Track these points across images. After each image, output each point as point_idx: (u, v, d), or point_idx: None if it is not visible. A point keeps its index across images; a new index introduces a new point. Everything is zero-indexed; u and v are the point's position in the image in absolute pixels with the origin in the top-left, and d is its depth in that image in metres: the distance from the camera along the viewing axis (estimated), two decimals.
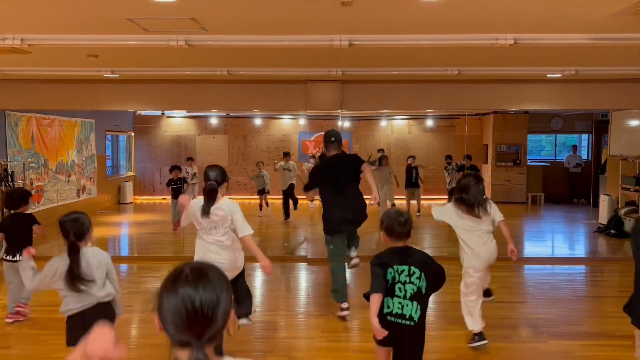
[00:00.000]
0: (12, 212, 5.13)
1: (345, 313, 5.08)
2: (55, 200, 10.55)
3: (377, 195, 4.93)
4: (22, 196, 5.11)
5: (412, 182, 11.00)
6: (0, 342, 4.65)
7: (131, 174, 14.35)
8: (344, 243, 5.21)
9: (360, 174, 5.10)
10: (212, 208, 3.73)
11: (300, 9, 3.68)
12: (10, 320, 5.00)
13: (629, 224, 8.42)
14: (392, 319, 2.82)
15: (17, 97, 7.61)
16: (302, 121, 14.10)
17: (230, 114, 13.92)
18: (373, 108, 9.20)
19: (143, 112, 13.81)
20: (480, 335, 4.28)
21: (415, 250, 2.97)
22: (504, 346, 4.42)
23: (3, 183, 8.22)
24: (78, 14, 3.86)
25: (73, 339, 3.19)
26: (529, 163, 13.72)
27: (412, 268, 2.85)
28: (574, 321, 5.08)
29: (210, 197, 3.75)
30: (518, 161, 13.44)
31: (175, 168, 9.94)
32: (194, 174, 11.41)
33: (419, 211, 11.06)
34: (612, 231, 8.90)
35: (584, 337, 4.62)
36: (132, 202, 13.72)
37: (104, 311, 3.18)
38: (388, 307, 2.84)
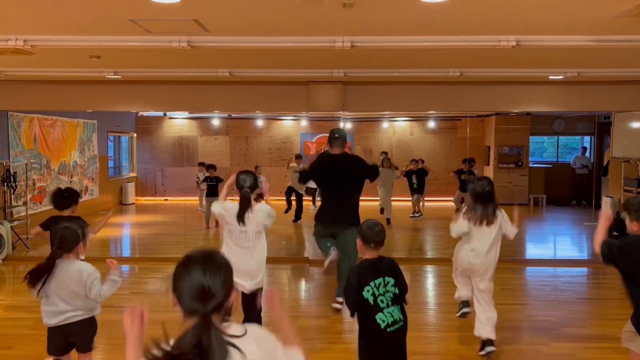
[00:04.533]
0: (62, 214, 4.49)
1: (336, 305, 5.12)
2: None
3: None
4: (72, 195, 4.60)
5: (414, 187, 10.98)
6: (1, 342, 4.65)
7: (133, 174, 14.37)
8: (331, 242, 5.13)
9: (363, 182, 5.12)
10: (246, 215, 3.89)
11: (302, 10, 3.68)
12: None
13: None
14: (390, 329, 2.92)
15: (20, 98, 7.63)
16: (303, 122, 14.11)
17: (232, 115, 13.93)
18: (375, 109, 9.20)
19: (145, 113, 13.83)
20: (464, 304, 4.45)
21: (385, 260, 3.07)
22: (506, 348, 4.42)
23: (5, 184, 8.23)
24: (81, 15, 3.87)
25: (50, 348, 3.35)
26: (530, 165, 13.70)
27: (386, 278, 2.98)
28: (576, 323, 5.07)
29: (246, 204, 3.93)
30: (520, 163, 13.42)
31: (210, 167, 10.14)
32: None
33: (418, 212, 11.06)
34: (614, 233, 8.85)
35: (586, 340, 4.61)
36: (134, 203, 13.74)
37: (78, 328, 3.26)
38: (383, 322, 2.92)
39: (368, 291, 2.92)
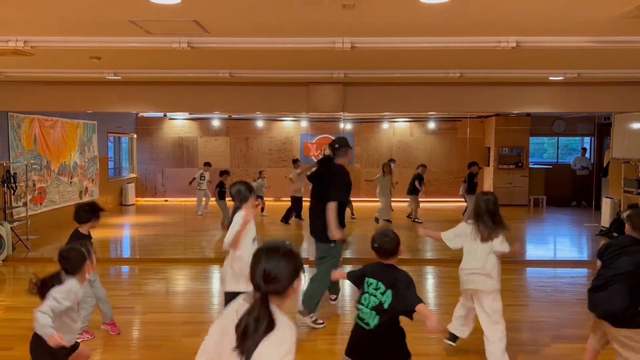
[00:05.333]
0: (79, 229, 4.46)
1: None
2: (58, 201, 10.56)
3: (334, 233, 4.80)
4: (93, 209, 4.48)
5: (410, 189, 10.99)
6: (1, 343, 4.65)
7: (133, 175, 14.37)
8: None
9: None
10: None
11: (302, 11, 3.68)
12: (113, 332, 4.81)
13: None
14: (358, 321, 3.13)
15: (20, 98, 7.63)
16: (304, 123, 14.11)
17: (232, 116, 13.94)
18: (375, 110, 9.21)
19: (145, 114, 13.84)
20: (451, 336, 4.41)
21: (393, 270, 3.10)
22: (507, 349, 4.41)
23: (5, 185, 8.24)
24: (81, 16, 3.87)
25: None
26: (531, 166, 13.71)
27: (379, 283, 3.07)
28: (577, 324, 5.07)
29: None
30: (520, 164, 13.42)
31: (224, 172, 10.50)
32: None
33: (416, 216, 11.08)
34: (615, 234, 8.87)
35: (586, 340, 4.59)
36: (134, 204, 13.74)
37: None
38: (358, 309, 3.15)
39: (366, 282, 3.14)
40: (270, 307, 1.81)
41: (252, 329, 1.78)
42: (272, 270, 1.83)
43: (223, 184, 10.29)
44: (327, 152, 5.24)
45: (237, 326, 1.80)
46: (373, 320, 3.04)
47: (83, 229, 4.42)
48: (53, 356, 3.11)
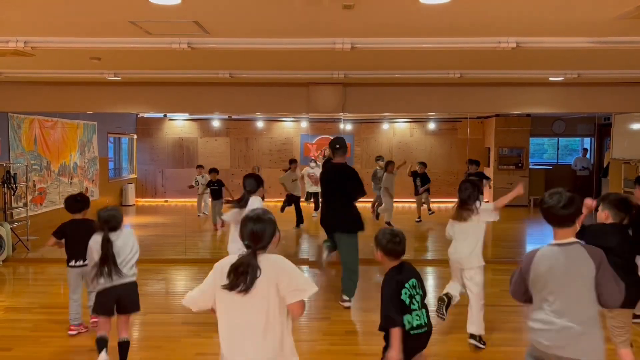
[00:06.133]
0: (74, 217, 4.85)
1: (346, 304, 5.60)
2: (58, 202, 10.55)
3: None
4: (84, 200, 4.92)
5: (418, 190, 10.92)
6: (1, 344, 4.65)
7: (133, 176, 14.37)
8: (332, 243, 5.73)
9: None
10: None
11: (302, 12, 3.68)
12: (73, 333, 4.84)
13: None
14: (415, 332, 3.02)
15: (20, 99, 7.63)
16: (304, 124, 14.11)
17: (232, 117, 13.94)
18: (375, 111, 9.20)
19: (145, 115, 13.83)
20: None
21: (407, 264, 3.19)
22: (506, 350, 4.42)
23: (6, 185, 8.23)
24: (81, 16, 3.87)
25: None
26: (531, 166, 13.70)
27: (415, 281, 3.12)
28: None
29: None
30: (520, 164, 13.42)
31: (213, 170, 10.30)
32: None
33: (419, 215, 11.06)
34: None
35: None
36: (134, 205, 13.74)
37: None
38: (409, 323, 3.01)
39: (405, 293, 3.03)
40: (257, 257, 2.44)
41: (248, 270, 2.40)
42: (258, 231, 2.45)
43: (213, 182, 10.18)
44: (328, 152, 5.77)
45: (237, 268, 2.40)
46: (425, 319, 3.11)
47: (78, 216, 4.84)
48: None
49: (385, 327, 3.00)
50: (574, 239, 2.59)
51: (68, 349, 4.56)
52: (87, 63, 5.74)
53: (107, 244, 3.85)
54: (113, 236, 3.91)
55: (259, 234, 2.45)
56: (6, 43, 4.55)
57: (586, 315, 2.54)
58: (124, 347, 4.02)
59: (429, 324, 3.13)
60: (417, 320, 3.03)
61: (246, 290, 2.37)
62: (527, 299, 2.72)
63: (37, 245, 8.55)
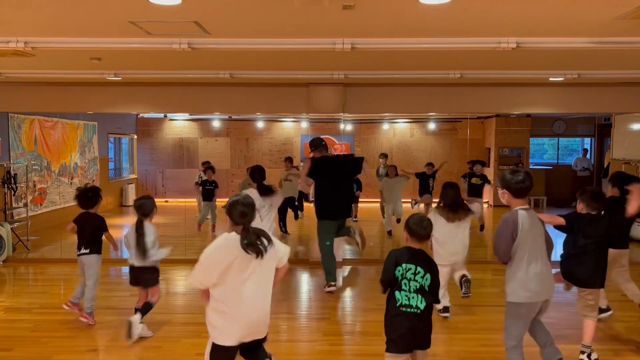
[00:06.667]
0: (85, 211, 5.16)
1: (332, 289, 6.03)
2: (58, 202, 10.56)
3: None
4: (95, 194, 5.19)
5: (429, 191, 10.63)
6: (1, 344, 4.65)
7: (134, 176, 14.38)
8: (334, 229, 6.15)
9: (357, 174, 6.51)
10: None
11: (302, 12, 3.68)
12: (66, 308, 5.14)
13: (635, 229, 8.38)
14: (404, 309, 3.22)
15: (20, 99, 7.63)
16: (304, 124, 14.11)
17: (233, 117, 13.94)
18: (375, 111, 9.19)
19: (146, 115, 13.82)
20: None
21: (423, 254, 3.35)
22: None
23: (6, 185, 8.24)
24: (81, 17, 3.88)
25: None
26: (531, 166, 13.70)
27: (418, 268, 3.24)
28: (578, 325, 5.04)
29: None
30: (520, 164, 13.41)
31: (209, 169, 9.69)
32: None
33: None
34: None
35: None
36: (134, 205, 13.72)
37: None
38: (398, 300, 3.23)
39: (399, 271, 3.24)
40: (250, 230, 3.04)
41: (262, 238, 3.05)
42: (245, 210, 3.06)
43: (210, 182, 9.54)
44: (320, 153, 6.26)
45: (259, 237, 3.03)
46: (422, 303, 3.21)
47: (94, 210, 5.17)
48: None
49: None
50: (528, 205, 3.46)
51: (68, 349, 4.56)
52: (88, 63, 5.74)
53: (139, 227, 4.62)
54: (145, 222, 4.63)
55: (246, 212, 3.06)
56: (6, 43, 4.55)
57: (546, 262, 3.49)
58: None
59: (422, 309, 3.22)
60: (405, 300, 3.21)
61: (263, 255, 3.00)
62: (509, 258, 3.43)
63: (37, 245, 8.56)
